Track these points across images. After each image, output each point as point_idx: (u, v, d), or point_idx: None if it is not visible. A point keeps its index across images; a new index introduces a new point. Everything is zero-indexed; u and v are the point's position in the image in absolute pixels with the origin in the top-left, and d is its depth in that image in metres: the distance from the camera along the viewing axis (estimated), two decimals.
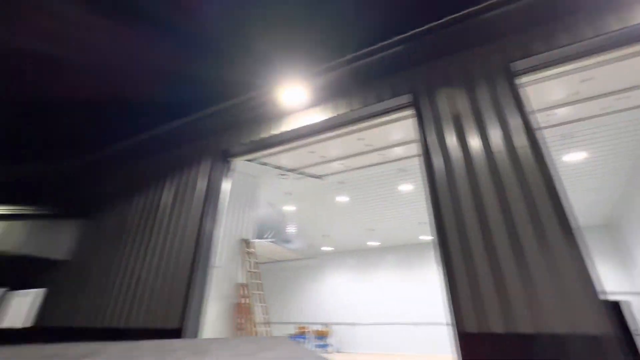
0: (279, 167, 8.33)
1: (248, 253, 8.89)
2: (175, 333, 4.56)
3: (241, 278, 8.51)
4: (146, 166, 7.15)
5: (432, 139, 4.39)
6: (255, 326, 7.95)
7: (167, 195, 6.25)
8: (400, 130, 6.23)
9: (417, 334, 13.61)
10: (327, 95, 5.19)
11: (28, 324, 6.46)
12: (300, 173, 9.15)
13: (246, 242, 9.02)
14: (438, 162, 4.19)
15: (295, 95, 5.17)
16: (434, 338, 13.20)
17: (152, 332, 4.84)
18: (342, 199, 11.77)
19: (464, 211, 3.71)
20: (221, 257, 8.05)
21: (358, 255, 16.66)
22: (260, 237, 14.13)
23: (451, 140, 4.23)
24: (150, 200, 6.47)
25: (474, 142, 4.04)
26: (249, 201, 9.85)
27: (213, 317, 7.37)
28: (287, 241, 16.65)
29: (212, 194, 5.61)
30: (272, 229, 14.37)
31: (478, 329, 3.06)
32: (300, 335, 14.65)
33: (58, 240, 7.11)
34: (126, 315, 5.26)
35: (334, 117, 4.97)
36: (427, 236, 14.04)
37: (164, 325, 4.75)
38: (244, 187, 9.71)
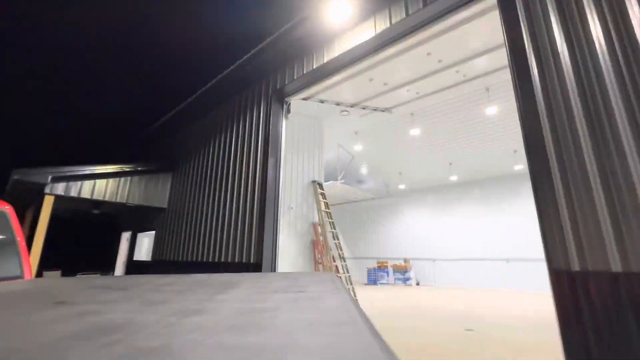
0: (339, 104, 7.79)
1: (320, 194, 9.05)
2: (254, 267, 4.98)
3: (316, 218, 8.83)
4: (214, 118, 7.49)
5: (525, 34, 3.28)
6: (333, 260, 8.36)
7: (233, 143, 6.51)
8: (479, 32, 4.94)
9: (505, 270, 12.69)
10: (377, 2, 4.28)
11: (149, 258, 8.04)
12: (364, 107, 8.46)
13: (317, 184, 9.14)
14: (535, 68, 3.15)
15: (340, 12, 4.40)
16: (523, 275, 12.15)
17: (235, 266, 5.41)
18: (415, 132, 10.72)
19: (575, 128, 2.78)
20: (293, 199, 8.39)
21: (438, 191, 15.67)
22: (332, 179, 14.32)
23: (557, 29, 3.08)
24: (221, 149, 6.86)
25: (595, 26, 2.85)
26: (316, 144, 9.74)
27: (294, 254, 7.96)
28: (361, 181, 16.56)
29: (272, 138, 5.56)
30: (344, 170, 14.32)
31: (581, 267, 2.42)
32: (381, 269, 15.19)
33: (159, 192, 8.31)
34: (215, 251, 5.97)
35: (388, 28, 4.11)
36: (523, 166, 12.14)
37: (245, 260, 5.23)
38: (309, 130, 9.56)
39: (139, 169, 7.91)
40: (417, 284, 14.52)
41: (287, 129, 8.59)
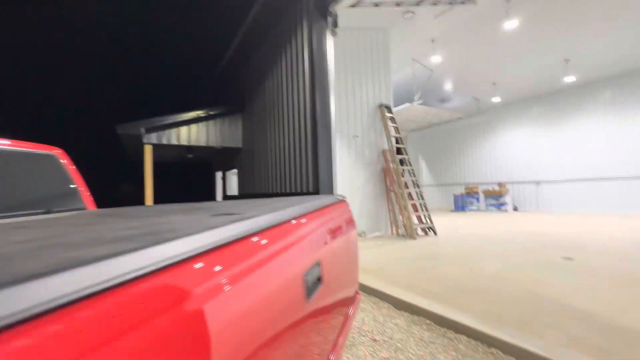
0: (399, 3, 6.45)
1: (388, 119, 8.32)
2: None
3: (385, 145, 8.29)
4: (265, 52, 7.21)
5: None
6: (405, 187, 7.94)
7: (282, 74, 6.25)
8: None
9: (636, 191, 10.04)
10: None
11: (236, 193, 9.06)
12: (435, 2, 6.84)
13: (384, 108, 8.36)
14: None
15: None
16: None
17: (297, 195, 5.59)
18: (512, 24, 8.40)
19: None
20: (358, 127, 7.93)
21: (546, 99, 12.69)
22: (408, 100, 12.93)
23: None
24: (274, 82, 6.70)
25: None
26: (380, 62, 8.66)
27: (362, 182, 7.83)
28: (445, 100, 14.58)
29: (317, 60, 5.05)
30: (421, 90, 12.72)
31: None
32: (470, 194, 13.98)
33: (233, 132, 8.92)
34: (280, 183, 6.26)
35: None
36: None
37: (304, 189, 5.32)
38: (372, 46, 8.44)
39: (212, 113, 8.48)
40: (515, 209, 12.98)
41: (345, 47, 7.75)
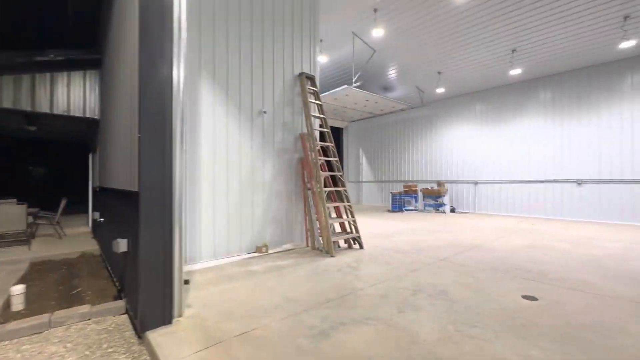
0: None
1: (310, 93, 6.32)
2: (135, 197, 2.80)
3: (305, 127, 6.30)
4: None
5: None
6: (330, 184, 6.06)
7: (116, 31, 3.87)
8: None
9: (578, 194, 9.64)
10: None
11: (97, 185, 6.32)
12: None
13: (307, 79, 6.33)
14: None
15: None
16: (608, 200, 9.07)
17: (123, 194, 3.30)
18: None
19: None
20: (268, 100, 5.80)
21: (490, 95, 11.90)
22: (348, 83, 11.15)
23: None
24: (112, 38, 4.25)
25: None
26: (304, 18, 6.57)
27: (269, 176, 5.73)
28: (388, 88, 13.14)
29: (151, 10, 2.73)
30: (362, 72, 11.00)
31: None
32: (408, 194, 12.80)
33: (88, 96, 6.13)
34: (112, 176, 3.87)
35: None
36: (636, 42, 7.87)
37: (128, 187, 3.05)
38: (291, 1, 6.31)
39: (59, 58, 5.58)
40: (452, 210, 12.08)
41: None
